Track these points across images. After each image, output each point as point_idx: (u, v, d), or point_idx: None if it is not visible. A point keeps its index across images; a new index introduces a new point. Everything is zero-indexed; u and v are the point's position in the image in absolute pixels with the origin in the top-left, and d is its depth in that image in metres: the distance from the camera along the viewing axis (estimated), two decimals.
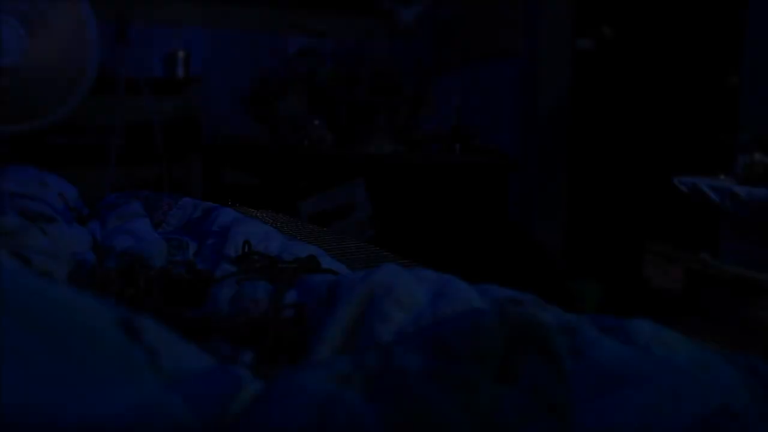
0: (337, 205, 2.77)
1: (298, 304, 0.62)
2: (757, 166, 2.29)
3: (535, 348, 0.44)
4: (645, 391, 0.40)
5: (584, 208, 3.34)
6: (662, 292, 3.23)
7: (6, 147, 2.66)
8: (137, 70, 3.35)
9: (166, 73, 3.62)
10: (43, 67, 2.34)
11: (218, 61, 3.82)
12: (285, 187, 3.30)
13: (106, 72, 2.94)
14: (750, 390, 0.46)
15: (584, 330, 0.51)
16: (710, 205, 2.36)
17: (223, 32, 3.87)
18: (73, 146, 3.26)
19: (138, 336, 0.41)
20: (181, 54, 3.60)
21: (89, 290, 0.63)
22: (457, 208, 2.55)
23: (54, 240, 0.83)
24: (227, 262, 0.79)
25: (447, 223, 2.50)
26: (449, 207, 2.57)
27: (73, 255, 0.80)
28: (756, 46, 2.48)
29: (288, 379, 0.40)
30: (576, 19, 3.20)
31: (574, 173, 3.29)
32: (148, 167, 3.52)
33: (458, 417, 0.36)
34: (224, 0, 3.79)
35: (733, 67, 2.90)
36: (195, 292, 0.71)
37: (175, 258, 0.82)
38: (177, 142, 3.45)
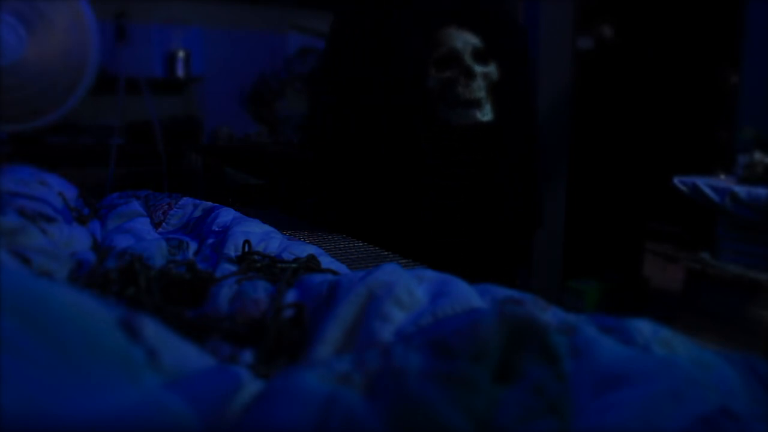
0: None
1: (298, 304, 0.62)
2: (757, 165, 2.29)
3: (535, 348, 0.43)
4: (645, 391, 0.40)
5: (584, 208, 3.34)
6: (662, 291, 3.23)
7: (6, 147, 2.66)
8: (137, 70, 3.35)
9: (166, 73, 3.63)
10: (43, 67, 2.34)
11: (218, 61, 3.82)
12: (285, 187, 3.30)
13: (106, 72, 2.94)
14: (750, 390, 0.45)
15: (584, 330, 0.51)
16: (710, 205, 2.36)
17: (223, 32, 3.87)
18: (73, 146, 3.26)
19: (138, 336, 0.41)
20: (181, 54, 3.60)
21: (89, 290, 0.63)
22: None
23: (54, 240, 0.83)
24: (227, 261, 0.79)
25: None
26: None
27: (73, 255, 0.80)
28: (756, 44, 2.48)
29: (288, 379, 0.40)
30: (576, 19, 3.20)
31: (574, 173, 3.29)
32: (148, 167, 3.52)
33: (458, 417, 0.36)
34: (224, 0, 3.79)
35: (734, 66, 2.90)
36: (195, 292, 0.71)
37: (175, 258, 0.82)
38: (177, 142, 3.45)
